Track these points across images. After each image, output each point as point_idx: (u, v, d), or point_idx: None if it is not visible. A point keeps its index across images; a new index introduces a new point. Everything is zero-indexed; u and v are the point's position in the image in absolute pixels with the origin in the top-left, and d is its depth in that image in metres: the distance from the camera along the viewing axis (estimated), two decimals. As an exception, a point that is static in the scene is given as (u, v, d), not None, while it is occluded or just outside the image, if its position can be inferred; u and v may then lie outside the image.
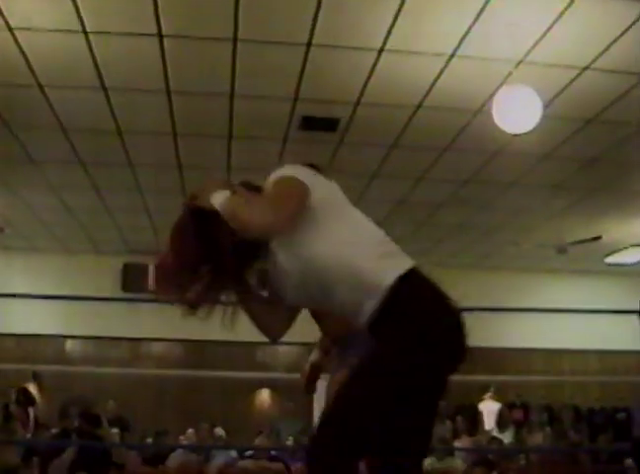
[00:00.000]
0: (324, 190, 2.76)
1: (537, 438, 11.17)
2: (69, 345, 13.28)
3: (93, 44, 6.06)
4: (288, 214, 2.52)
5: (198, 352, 12.88)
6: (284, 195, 2.58)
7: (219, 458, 9.26)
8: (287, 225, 2.54)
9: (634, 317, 5.15)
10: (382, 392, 2.43)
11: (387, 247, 2.64)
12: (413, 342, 2.43)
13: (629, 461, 8.76)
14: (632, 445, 4.93)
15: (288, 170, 2.72)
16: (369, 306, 2.48)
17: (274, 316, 2.89)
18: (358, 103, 7.17)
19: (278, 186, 2.63)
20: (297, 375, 3.76)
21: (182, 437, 10.63)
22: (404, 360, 2.42)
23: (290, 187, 2.63)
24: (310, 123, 7.61)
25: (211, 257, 2.73)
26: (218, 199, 2.61)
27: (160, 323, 12.50)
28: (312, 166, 2.90)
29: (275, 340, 2.94)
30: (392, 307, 2.46)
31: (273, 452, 9.39)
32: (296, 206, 2.56)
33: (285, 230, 2.56)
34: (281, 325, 2.93)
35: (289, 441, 10.85)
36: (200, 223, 2.73)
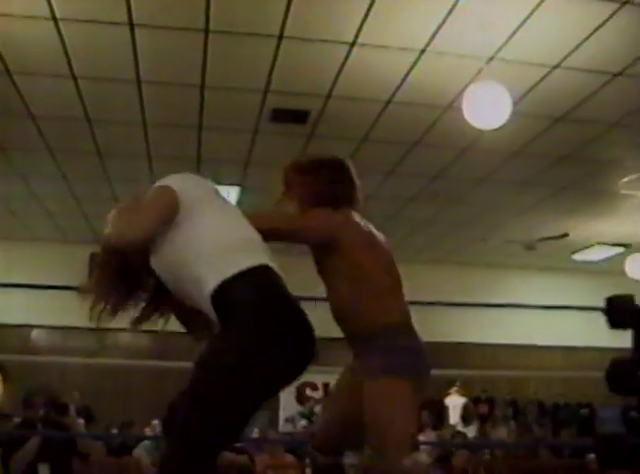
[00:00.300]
0: (192, 194, 2.83)
1: (502, 433, 11.26)
2: (34, 334, 13.18)
3: (63, 32, 6.01)
4: (142, 227, 2.65)
5: (164, 342, 12.81)
6: (144, 207, 2.74)
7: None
8: (141, 237, 2.65)
9: (599, 314, 5.18)
10: (219, 391, 2.58)
11: (235, 246, 2.74)
12: (241, 343, 2.56)
13: (591, 456, 8.84)
14: (595, 441, 4.97)
15: (163, 180, 2.88)
16: (207, 306, 2.62)
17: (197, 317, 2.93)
18: (328, 96, 7.17)
19: (144, 199, 2.81)
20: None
21: (147, 429, 10.59)
22: (236, 358, 2.56)
23: (153, 198, 2.78)
24: (280, 115, 7.60)
25: (133, 283, 2.93)
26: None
27: (126, 313, 12.47)
28: None
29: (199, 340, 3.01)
30: (222, 307, 2.59)
31: (238, 444, 9.37)
32: (154, 217, 2.68)
33: (140, 242, 2.67)
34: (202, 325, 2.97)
35: (255, 433, 10.82)
36: (116, 258, 2.84)
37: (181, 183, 2.85)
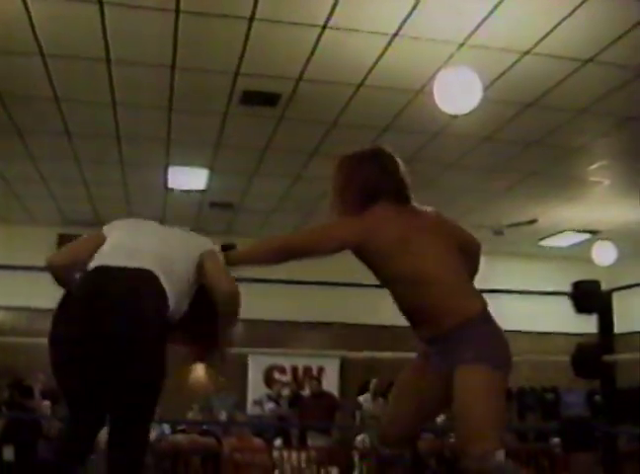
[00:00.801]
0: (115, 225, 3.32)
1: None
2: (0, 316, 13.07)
3: (31, 9, 5.92)
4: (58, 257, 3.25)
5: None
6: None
7: (151, 432, 9.22)
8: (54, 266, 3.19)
9: (566, 299, 5.23)
10: None
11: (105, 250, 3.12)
12: None
13: (556, 440, 8.94)
14: (560, 425, 5.04)
15: None
16: None
17: None
18: (299, 79, 7.14)
19: None
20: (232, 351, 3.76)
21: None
22: None
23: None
24: (251, 98, 7.56)
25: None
26: None
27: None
28: None
29: None
30: None
31: (205, 427, 9.37)
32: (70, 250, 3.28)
33: (53, 269, 3.18)
34: None
35: (222, 416, 10.84)
36: None
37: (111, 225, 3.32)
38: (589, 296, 5.12)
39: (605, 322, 5.30)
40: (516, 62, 6.69)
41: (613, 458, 5.26)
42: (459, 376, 2.92)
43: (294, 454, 8.51)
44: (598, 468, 5.44)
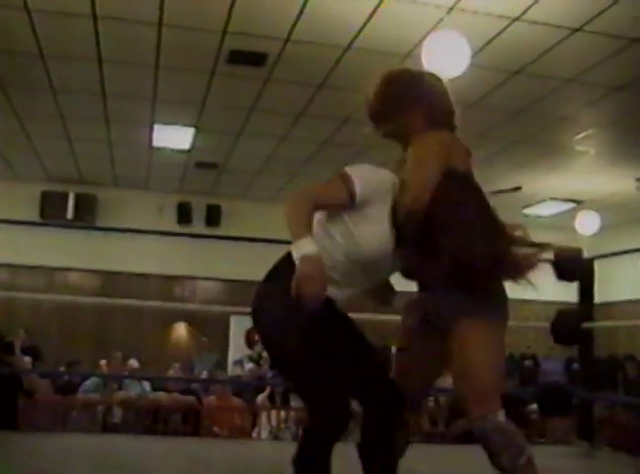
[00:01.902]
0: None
1: (446, 382, 11.40)
2: (-19, 271, 13.05)
3: (17, -38, 5.87)
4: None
5: (113, 283, 12.79)
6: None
7: (132, 390, 9.26)
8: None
9: (547, 267, 5.26)
10: None
11: None
12: None
13: (533, 407, 9.03)
14: (537, 390, 5.09)
15: None
16: None
17: None
18: (287, 39, 7.10)
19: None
20: (214, 309, 3.74)
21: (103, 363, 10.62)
22: None
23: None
24: (238, 57, 7.51)
25: None
26: None
27: (76, 253, 12.38)
28: None
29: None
30: None
31: (186, 386, 9.41)
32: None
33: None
34: None
35: (204, 375, 10.89)
36: None
37: None
38: (570, 264, 5.15)
39: (586, 290, 5.34)
40: (505, 28, 6.67)
41: (589, 424, 5.33)
42: (460, 331, 2.79)
43: (274, 413, 8.55)
44: (573, 433, 5.52)
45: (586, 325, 5.18)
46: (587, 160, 10.37)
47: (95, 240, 12.08)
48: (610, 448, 5.53)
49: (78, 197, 12.72)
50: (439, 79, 3.16)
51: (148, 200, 13.03)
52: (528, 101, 8.38)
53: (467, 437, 5.12)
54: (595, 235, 11.89)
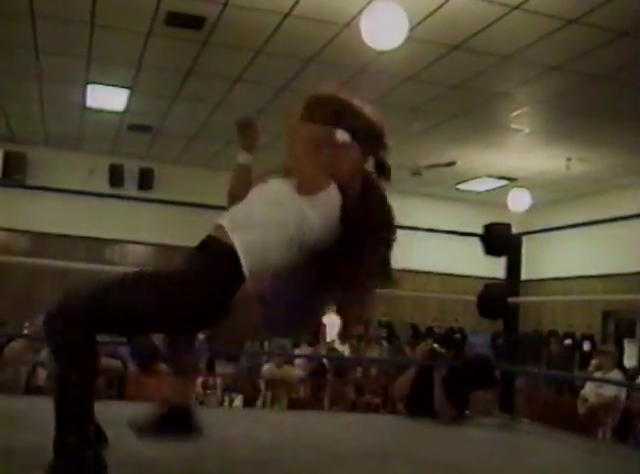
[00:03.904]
0: None
1: (374, 352, 11.52)
2: None
3: None
4: None
5: (42, 244, 12.57)
6: None
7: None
8: None
9: (477, 244, 5.31)
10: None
11: None
12: None
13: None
14: (462, 363, 5.15)
15: None
16: None
17: None
18: (226, 3, 7.01)
19: None
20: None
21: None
22: None
23: None
24: (176, 19, 7.40)
25: None
26: None
27: (4, 212, 12.16)
28: None
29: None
30: None
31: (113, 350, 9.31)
32: None
33: None
34: None
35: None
36: None
37: None
38: (498, 238, 5.21)
39: (513, 265, 5.40)
40: (445, 3, 6.68)
41: (511, 397, 5.42)
42: None
43: (200, 379, 8.53)
44: (495, 406, 5.60)
45: (512, 300, 5.24)
46: (521, 138, 10.50)
47: (24, 200, 11.87)
48: (531, 421, 5.64)
49: (7, 155, 12.48)
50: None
51: (80, 161, 12.83)
52: (466, 76, 8.43)
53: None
54: (525, 212, 12.05)
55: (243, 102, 9.64)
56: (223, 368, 9.27)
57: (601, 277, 12.93)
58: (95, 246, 12.98)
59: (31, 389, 8.65)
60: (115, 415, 2.73)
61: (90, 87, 9.67)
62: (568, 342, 12.99)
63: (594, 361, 9.03)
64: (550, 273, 13.78)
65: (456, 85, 8.71)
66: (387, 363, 10.28)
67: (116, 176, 13.06)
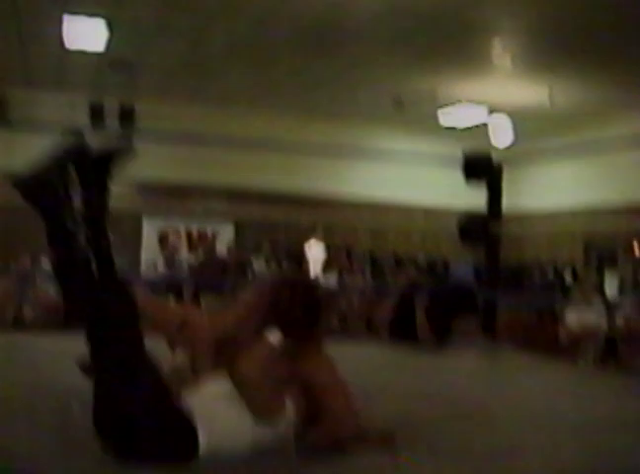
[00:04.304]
0: None
1: (358, 282, 11.59)
2: None
3: None
4: None
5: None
6: None
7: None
8: None
9: (460, 177, 5.32)
10: None
11: None
12: None
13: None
14: (445, 290, 5.21)
15: None
16: None
17: None
18: None
19: None
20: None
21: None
22: None
23: None
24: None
25: None
26: None
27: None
28: None
29: None
30: None
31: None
32: None
33: None
34: None
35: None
36: None
37: None
38: (478, 165, 5.22)
39: (494, 193, 5.42)
40: None
41: (492, 323, 5.48)
42: None
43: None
44: (477, 333, 5.67)
45: (493, 227, 5.28)
46: (502, 69, 10.41)
47: (5, 141, 11.79)
48: (511, 346, 5.70)
49: (-15, 98, 12.28)
50: None
51: (60, 101, 12.65)
52: (447, 6, 8.34)
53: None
54: (508, 146, 12.02)
55: (226, 37, 9.51)
56: (209, 302, 9.34)
57: (585, 208, 12.99)
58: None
59: (18, 325, 8.77)
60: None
61: (67, 18, 9.40)
62: (550, 273, 13.07)
63: (575, 291, 9.12)
64: (533, 204, 13.82)
65: (437, 14, 8.61)
66: (370, 292, 10.32)
67: (96, 114, 12.89)
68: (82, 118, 12.59)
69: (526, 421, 3.05)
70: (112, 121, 12.92)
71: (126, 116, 13.08)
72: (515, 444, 2.63)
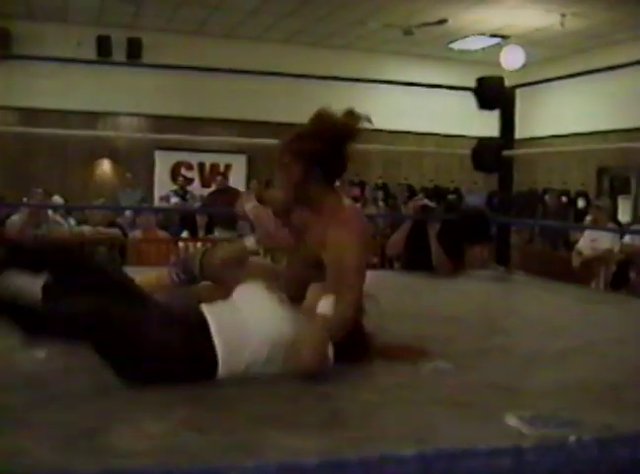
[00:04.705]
0: None
1: (371, 211, 11.60)
2: None
3: None
4: None
5: (32, 120, 12.41)
6: None
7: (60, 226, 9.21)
8: None
9: (471, 101, 5.26)
10: None
11: None
12: None
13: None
14: (458, 217, 5.21)
15: None
16: None
17: None
18: None
19: None
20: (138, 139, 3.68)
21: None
22: None
23: None
24: None
25: None
26: None
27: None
28: None
29: None
30: None
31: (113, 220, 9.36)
32: None
33: None
34: None
35: (128, 212, 10.84)
36: None
37: None
38: (492, 91, 5.17)
39: (507, 118, 5.37)
40: None
41: (506, 250, 5.48)
42: None
43: (199, 245, 8.60)
44: (491, 259, 5.68)
45: (506, 153, 5.24)
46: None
47: (12, 76, 11.75)
48: (525, 273, 5.72)
49: (-11, 32, 12.19)
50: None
51: (65, 34, 12.55)
52: None
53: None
54: (520, 70, 11.90)
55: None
56: (222, 235, 9.34)
57: (597, 134, 12.90)
58: (88, 121, 12.79)
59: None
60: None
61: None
62: (563, 199, 13.05)
63: (588, 217, 9.09)
64: (546, 130, 13.73)
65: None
66: (381, 220, 10.29)
67: (103, 47, 12.81)
68: (89, 52, 12.53)
69: (544, 336, 3.10)
70: (119, 54, 12.86)
71: (134, 48, 13.01)
72: (532, 357, 2.67)
